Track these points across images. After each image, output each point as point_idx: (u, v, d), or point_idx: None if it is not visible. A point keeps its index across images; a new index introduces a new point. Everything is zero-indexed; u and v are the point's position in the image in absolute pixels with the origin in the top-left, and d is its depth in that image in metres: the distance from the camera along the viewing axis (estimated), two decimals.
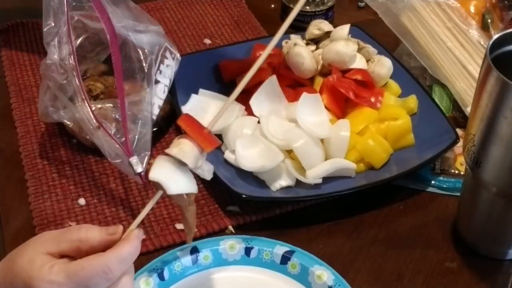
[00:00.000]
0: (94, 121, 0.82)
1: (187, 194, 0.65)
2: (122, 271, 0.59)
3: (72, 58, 0.83)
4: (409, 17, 1.04)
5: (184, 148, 0.64)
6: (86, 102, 0.82)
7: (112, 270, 0.58)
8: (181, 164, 0.63)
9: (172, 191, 0.63)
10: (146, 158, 0.82)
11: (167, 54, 0.91)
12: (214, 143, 0.65)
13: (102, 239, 0.61)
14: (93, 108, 0.83)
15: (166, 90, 0.91)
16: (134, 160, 0.80)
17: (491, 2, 1.06)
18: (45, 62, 0.85)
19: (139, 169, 0.80)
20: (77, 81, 0.82)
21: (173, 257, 0.76)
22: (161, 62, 0.89)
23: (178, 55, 0.94)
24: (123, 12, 0.88)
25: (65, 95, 0.84)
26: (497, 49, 0.70)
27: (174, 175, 0.63)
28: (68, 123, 0.87)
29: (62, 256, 0.60)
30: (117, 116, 0.85)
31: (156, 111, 0.88)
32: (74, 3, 0.89)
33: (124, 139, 0.81)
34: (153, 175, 0.63)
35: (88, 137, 0.86)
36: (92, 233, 0.60)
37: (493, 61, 0.67)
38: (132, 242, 0.61)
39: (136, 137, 0.83)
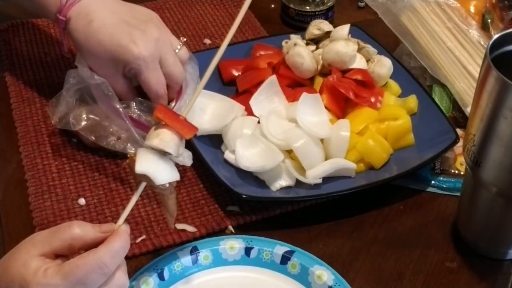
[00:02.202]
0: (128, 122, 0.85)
1: (170, 183, 0.66)
2: (117, 264, 0.60)
3: None
4: (409, 17, 1.04)
5: (164, 138, 0.65)
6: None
7: (107, 264, 0.59)
8: (162, 154, 0.65)
9: (160, 182, 0.64)
10: None
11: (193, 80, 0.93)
12: (193, 129, 0.67)
13: (95, 237, 0.61)
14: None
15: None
16: None
17: (491, 2, 1.06)
18: (72, 72, 0.88)
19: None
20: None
21: (173, 257, 0.76)
22: (190, 86, 0.91)
23: (197, 67, 0.95)
24: None
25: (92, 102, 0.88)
26: (497, 49, 0.70)
27: (159, 166, 0.64)
28: (92, 138, 0.88)
29: (55, 255, 0.60)
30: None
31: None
32: None
33: None
34: (140, 168, 0.64)
35: (104, 143, 0.88)
36: (85, 230, 0.61)
37: (493, 61, 0.67)
38: (122, 236, 0.62)
39: None
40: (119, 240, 0.61)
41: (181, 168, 0.89)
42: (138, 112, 0.88)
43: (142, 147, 0.80)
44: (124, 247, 0.62)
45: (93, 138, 0.87)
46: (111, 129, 0.87)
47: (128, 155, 0.67)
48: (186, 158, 0.69)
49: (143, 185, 0.66)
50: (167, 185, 0.66)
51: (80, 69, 0.87)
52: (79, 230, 0.61)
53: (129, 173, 0.67)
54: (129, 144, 0.86)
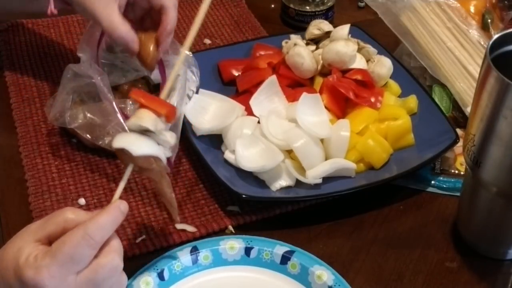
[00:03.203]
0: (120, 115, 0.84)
1: (155, 159, 0.67)
2: (103, 237, 0.60)
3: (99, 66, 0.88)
4: (409, 17, 1.04)
5: (140, 115, 0.67)
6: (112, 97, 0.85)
7: (93, 236, 0.59)
8: (142, 133, 0.67)
9: (136, 152, 0.65)
10: (174, 154, 0.83)
11: (189, 80, 0.92)
12: (167, 105, 0.69)
13: (87, 219, 0.62)
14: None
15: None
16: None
17: (491, 2, 1.06)
18: (71, 67, 0.88)
19: (167, 153, 0.78)
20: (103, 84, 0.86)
21: (173, 257, 0.76)
22: (183, 88, 0.90)
23: (198, 82, 0.94)
24: None
25: (89, 101, 0.87)
26: (497, 49, 0.70)
27: (136, 140, 0.66)
28: (88, 137, 0.88)
29: (50, 241, 0.60)
30: None
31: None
32: None
33: None
34: (116, 143, 0.66)
35: (100, 142, 0.87)
36: (78, 215, 0.62)
37: (493, 61, 0.67)
38: (110, 210, 0.62)
39: None
40: (106, 214, 0.62)
41: (181, 169, 0.90)
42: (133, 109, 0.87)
43: None
44: (111, 221, 0.61)
45: (89, 136, 0.87)
46: (107, 129, 0.86)
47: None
48: (169, 137, 0.69)
49: (130, 166, 0.67)
50: (152, 160, 0.67)
51: (82, 61, 0.87)
52: (73, 215, 0.62)
53: (121, 163, 0.70)
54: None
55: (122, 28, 0.81)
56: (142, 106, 0.68)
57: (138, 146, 0.66)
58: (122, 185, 0.66)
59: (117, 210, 0.63)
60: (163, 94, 0.71)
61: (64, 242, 0.59)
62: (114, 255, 0.61)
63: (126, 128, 0.79)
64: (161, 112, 0.68)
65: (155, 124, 0.67)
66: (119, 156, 0.68)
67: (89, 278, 0.59)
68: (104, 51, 0.92)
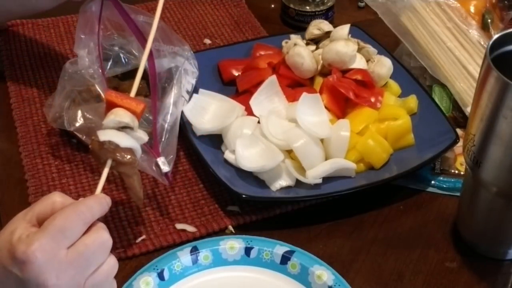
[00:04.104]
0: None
1: (133, 154, 0.71)
2: (93, 216, 0.62)
3: (99, 66, 0.88)
4: (409, 17, 1.04)
5: (118, 113, 0.71)
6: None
7: (83, 212, 0.61)
8: (120, 130, 0.71)
9: (123, 144, 0.70)
10: (173, 161, 0.83)
11: (188, 73, 0.92)
12: (140, 103, 0.72)
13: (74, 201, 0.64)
14: None
15: (185, 103, 0.91)
16: (161, 160, 0.81)
17: (491, 2, 1.06)
18: (67, 68, 0.88)
19: (166, 169, 0.81)
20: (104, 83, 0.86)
21: (173, 257, 0.76)
22: (179, 82, 0.89)
23: (197, 72, 0.94)
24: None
25: (87, 102, 0.88)
26: (497, 49, 0.70)
27: (119, 134, 0.71)
28: (87, 140, 0.88)
29: (39, 223, 0.62)
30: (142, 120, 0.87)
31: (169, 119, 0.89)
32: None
33: (152, 140, 0.83)
34: (103, 137, 0.70)
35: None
36: (66, 199, 0.64)
37: (493, 61, 0.67)
38: (97, 197, 0.65)
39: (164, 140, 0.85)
40: (94, 197, 0.64)
41: (181, 169, 0.90)
42: None
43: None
44: (99, 205, 0.64)
45: (88, 139, 0.87)
46: None
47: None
48: (142, 134, 0.73)
49: (109, 162, 0.70)
50: (131, 158, 0.71)
51: (79, 57, 0.87)
52: (60, 198, 0.63)
53: (94, 158, 0.73)
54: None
55: None
56: (116, 105, 0.71)
57: (121, 138, 0.70)
58: (103, 180, 0.69)
59: (102, 198, 0.65)
60: (132, 93, 0.74)
61: (55, 217, 0.60)
62: (103, 231, 0.62)
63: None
64: (135, 109, 0.71)
65: (132, 121, 0.71)
66: (96, 153, 0.70)
67: (79, 251, 0.60)
68: (103, 40, 0.92)
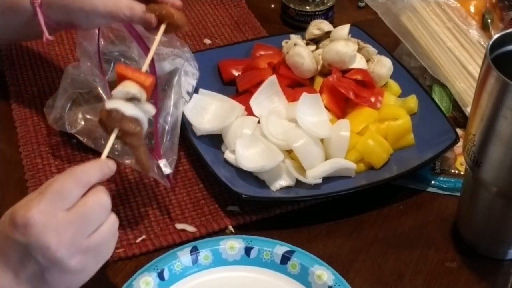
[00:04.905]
0: None
1: (139, 124, 0.73)
2: (90, 180, 0.63)
3: (100, 71, 0.88)
4: (409, 17, 1.04)
5: (126, 84, 0.73)
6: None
7: (79, 176, 0.63)
8: (128, 101, 0.72)
9: (128, 112, 0.71)
10: (174, 163, 0.84)
11: (188, 75, 0.92)
12: (151, 76, 0.75)
13: None
14: None
15: (186, 104, 0.91)
16: (162, 162, 0.82)
17: (491, 2, 1.06)
18: (69, 71, 0.89)
19: (167, 171, 0.82)
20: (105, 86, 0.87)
21: (173, 257, 0.76)
22: (180, 83, 0.89)
23: (197, 73, 0.94)
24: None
25: (88, 103, 0.88)
26: (497, 49, 0.70)
27: (127, 104, 0.72)
28: (88, 142, 0.89)
29: None
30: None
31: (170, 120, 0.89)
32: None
33: (153, 142, 0.84)
34: (110, 105, 0.71)
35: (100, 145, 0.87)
36: None
37: (493, 61, 0.67)
38: (96, 161, 0.67)
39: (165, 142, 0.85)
40: (93, 162, 0.66)
41: (181, 169, 0.90)
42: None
43: (131, 157, 0.83)
44: (98, 168, 0.65)
45: (89, 141, 0.87)
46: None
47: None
48: (150, 107, 0.75)
49: (115, 131, 0.71)
50: (137, 129, 0.72)
51: (81, 62, 0.87)
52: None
53: (102, 128, 0.74)
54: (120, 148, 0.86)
55: (136, 8, 0.81)
56: (126, 78, 0.73)
57: (128, 107, 0.72)
58: (108, 147, 0.70)
59: (103, 162, 0.67)
60: (144, 67, 0.77)
61: (51, 182, 0.62)
62: (102, 193, 0.63)
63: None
64: (144, 83, 0.73)
65: (140, 93, 0.73)
66: (104, 122, 0.72)
67: (79, 212, 0.61)
68: (104, 47, 0.92)
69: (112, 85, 0.91)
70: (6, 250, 0.60)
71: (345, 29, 1.01)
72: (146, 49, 0.84)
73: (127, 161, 0.84)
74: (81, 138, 0.88)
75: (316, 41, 1.04)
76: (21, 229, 0.59)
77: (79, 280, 0.63)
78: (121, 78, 0.74)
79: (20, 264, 0.60)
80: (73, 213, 0.61)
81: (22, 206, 0.60)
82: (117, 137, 0.72)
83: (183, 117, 0.89)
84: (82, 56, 0.89)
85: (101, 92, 0.87)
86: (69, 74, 0.90)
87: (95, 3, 0.80)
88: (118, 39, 0.93)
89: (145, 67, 0.77)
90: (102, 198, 0.63)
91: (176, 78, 0.88)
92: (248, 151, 0.86)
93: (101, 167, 0.66)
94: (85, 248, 0.61)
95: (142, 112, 0.73)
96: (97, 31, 0.89)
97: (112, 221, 0.64)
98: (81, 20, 0.83)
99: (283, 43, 1.03)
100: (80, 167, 0.64)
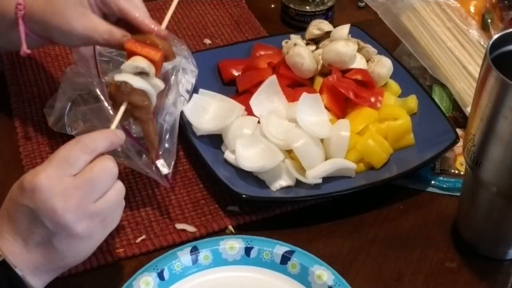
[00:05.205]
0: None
1: (148, 98, 0.74)
2: (96, 147, 0.65)
3: (96, 68, 0.87)
4: (409, 17, 1.04)
5: (136, 59, 0.75)
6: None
7: (86, 143, 0.64)
8: (137, 75, 0.74)
9: (136, 85, 0.73)
10: (172, 163, 0.84)
11: (187, 72, 0.92)
12: (159, 51, 0.76)
13: None
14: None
15: (185, 103, 0.91)
16: (160, 162, 0.82)
17: (491, 2, 1.06)
18: (68, 73, 0.89)
19: (165, 171, 0.81)
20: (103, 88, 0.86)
21: (173, 257, 0.76)
22: (178, 81, 0.89)
23: (196, 71, 0.94)
24: None
25: (87, 103, 0.88)
26: (497, 49, 0.70)
27: (135, 77, 0.74)
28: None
29: None
30: None
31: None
32: None
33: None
34: (119, 77, 0.73)
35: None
36: None
37: (493, 61, 0.67)
38: (104, 130, 0.69)
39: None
40: (101, 131, 0.68)
41: (181, 169, 0.90)
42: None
43: (130, 158, 0.82)
44: (105, 137, 0.66)
45: None
46: None
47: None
48: (159, 82, 0.76)
49: (124, 104, 0.73)
50: (146, 102, 0.74)
51: (79, 66, 0.87)
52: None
53: (111, 101, 0.76)
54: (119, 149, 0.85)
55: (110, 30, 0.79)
56: (136, 54, 0.75)
57: (136, 80, 0.73)
58: (117, 119, 0.72)
59: (111, 131, 0.68)
60: (163, 25, 0.80)
61: (59, 150, 0.63)
62: (108, 160, 0.65)
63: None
64: (153, 57, 0.75)
65: (149, 67, 0.75)
66: (113, 95, 0.73)
67: (85, 177, 0.63)
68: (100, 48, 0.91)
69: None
70: (15, 215, 0.62)
71: (345, 29, 1.01)
72: None
73: (126, 162, 0.84)
74: None
75: (316, 41, 1.04)
76: (29, 193, 0.61)
77: (87, 247, 0.64)
78: (130, 54, 0.75)
79: (28, 229, 0.61)
80: (80, 178, 0.62)
81: (30, 173, 0.62)
82: (126, 111, 0.73)
83: (183, 117, 0.89)
84: (79, 61, 0.89)
85: (99, 94, 0.86)
86: (68, 76, 0.89)
87: (72, 24, 0.79)
88: None
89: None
90: (108, 165, 0.64)
91: (173, 77, 0.88)
92: (248, 151, 0.86)
93: (109, 135, 0.67)
94: (92, 213, 0.63)
95: (151, 86, 0.75)
96: None
97: (119, 187, 0.66)
98: (58, 38, 0.82)
99: (283, 43, 1.03)
100: (87, 135, 0.65)
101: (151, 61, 0.75)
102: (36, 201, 0.61)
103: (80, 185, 0.62)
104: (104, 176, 0.64)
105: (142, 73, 0.74)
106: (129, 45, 0.76)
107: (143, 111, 0.74)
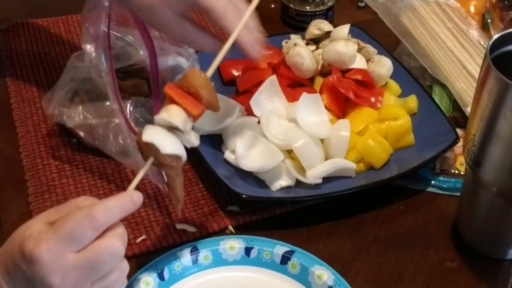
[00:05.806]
0: (125, 125, 0.83)
1: (178, 158, 0.67)
2: (108, 220, 0.60)
3: (107, 60, 0.84)
4: (409, 17, 1.04)
5: (172, 112, 0.67)
6: (118, 102, 0.82)
7: (96, 218, 0.59)
8: (170, 130, 0.67)
9: (166, 150, 0.66)
10: None
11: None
12: (200, 106, 0.69)
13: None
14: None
15: None
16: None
17: (491, 2, 1.06)
18: (72, 62, 0.87)
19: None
20: (111, 80, 0.83)
21: (173, 257, 0.76)
22: None
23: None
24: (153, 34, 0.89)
25: (90, 96, 0.86)
26: (497, 49, 0.70)
27: (166, 137, 0.67)
28: (84, 135, 0.88)
29: None
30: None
31: None
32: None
33: None
34: (146, 137, 0.66)
35: (97, 142, 0.87)
36: (91, 200, 0.62)
37: (493, 61, 0.67)
38: (120, 197, 0.62)
39: None
40: (116, 198, 0.61)
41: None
42: (132, 110, 0.87)
43: (130, 157, 0.81)
44: (120, 206, 0.61)
45: (88, 138, 0.87)
46: (107, 131, 0.86)
47: (137, 133, 0.68)
48: (193, 138, 0.70)
49: (150, 160, 0.67)
50: (174, 163, 0.67)
51: (86, 52, 0.85)
52: (86, 201, 0.62)
53: (138, 150, 0.70)
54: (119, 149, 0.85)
55: None
56: (174, 102, 0.67)
57: (166, 144, 0.66)
58: (140, 176, 0.66)
59: (128, 197, 0.62)
60: (209, 73, 0.72)
61: (66, 219, 0.59)
62: (116, 240, 0.60)
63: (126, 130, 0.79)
64: (192, 112, 0.67)
65: (185, 124, 0.67)
66: (141, 147, 0.67)
67: (87, 258, 0.59)
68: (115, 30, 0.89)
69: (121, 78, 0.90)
70: (14, 274, 0.60)
71: (345, 29, 1.01)
72: (148, 39, 0.83)
73: (126, 161, 0.84)
74: (79, 133, 0.87)
75: (316, 41, 1.04)
76: (28, 262, 0.58)
77: None
78: (168, 100, 0.68)
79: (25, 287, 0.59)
80: (82, 258, 0.59)
81: (32, 239, 0.58)
82: (154, 164, 0.67)
83: None
84: (87, 43, 0.84)
85: (108, 90, 0.83)
86: (72, 65, 0.88)
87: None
88: (119, 25, 0.90)
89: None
90: (115, 246, 0.60)
91: (178, 77, 0.88)
92: (248, 151, 0.86)
93: (124, 203, 0.62)
94: None
95: (184, 143, 0.68)
96: (104, 13, 0.84)
97: (123, 268, 0.62)
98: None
99: (283, 43, 1.03)
100: (102, 204, 0.60)
101: (190, 114, 0.68)
102: (34, 272, 0.58)
103: (81, 266, 0.58)
104: (108, 258, 0.60)
105: (175, 129, 0.68)
106: (169, 91, 0.68)
107: (170, 169, 0.68)
